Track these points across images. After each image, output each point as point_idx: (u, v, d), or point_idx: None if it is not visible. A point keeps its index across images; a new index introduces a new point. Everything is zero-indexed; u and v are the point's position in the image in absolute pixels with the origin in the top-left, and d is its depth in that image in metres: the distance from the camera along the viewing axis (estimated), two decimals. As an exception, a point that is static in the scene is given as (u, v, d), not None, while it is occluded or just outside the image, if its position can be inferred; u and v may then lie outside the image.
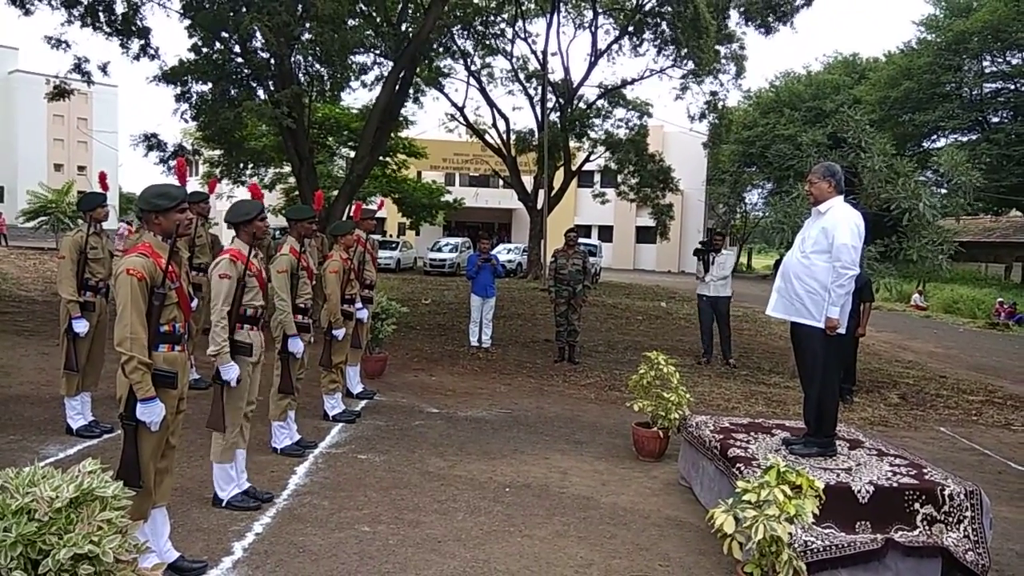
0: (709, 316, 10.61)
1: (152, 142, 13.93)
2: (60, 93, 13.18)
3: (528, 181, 27.83)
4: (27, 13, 12.30)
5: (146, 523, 3.43)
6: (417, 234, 37.33)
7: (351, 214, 8.17)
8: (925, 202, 8.54)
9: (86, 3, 12.37)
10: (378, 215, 8.36)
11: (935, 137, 34.68)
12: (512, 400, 7.93)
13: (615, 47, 24.54)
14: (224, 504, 4.31)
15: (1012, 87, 32.38)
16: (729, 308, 10.71)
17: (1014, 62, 31.61)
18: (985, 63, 32.78)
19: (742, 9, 18.28)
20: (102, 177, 5.89)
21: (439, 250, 31.36)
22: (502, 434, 6.48)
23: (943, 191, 11.41)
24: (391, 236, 36.64)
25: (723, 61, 23.61)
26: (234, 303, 4.28)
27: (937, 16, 33.83)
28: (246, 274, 4.36)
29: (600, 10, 24.09)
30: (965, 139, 32.85)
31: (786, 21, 18.65)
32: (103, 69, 13.12)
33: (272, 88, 12.31)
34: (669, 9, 18.85)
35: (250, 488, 4.48)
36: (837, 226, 4.44)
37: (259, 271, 4.56)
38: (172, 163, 13.62)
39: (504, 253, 29.92)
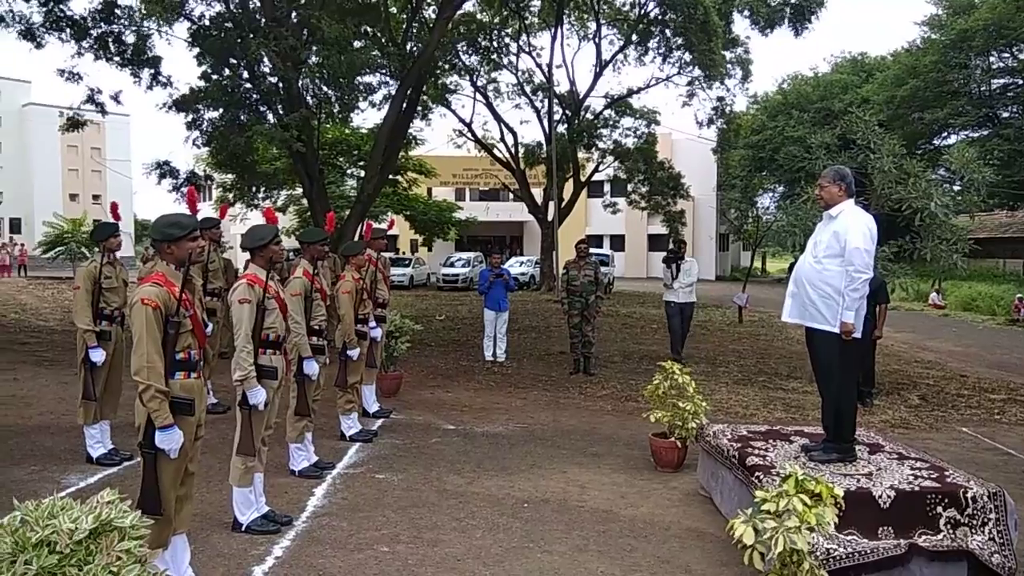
0: (678, 321, 10.84)
1: (164, 170, 14.09)
2: (74, 124, 13.39)
3: (538, 193, 27.90)
4: (39, 47, 12.54)
5: (166, 551, 3.45)
6: (429, 250, 37.43)
7: (362, 234, 8.22)
8: (937, 201, 8.47)
9: (96, 35, 12.58)
10: (390, 233, 8.39)
11: (945, 134, 34.50)
12: (528, 414, 7.92)
13: (620, 57, 24.67)
14: (244, 528, 4.32)
15: (1020, 82, 32.16)
16: (693, 313, 11.21)
17: (1022, 56, 31.41)
18: (992, 59, 32.60)
19: (763, 16, 17.97)
20: (114, 207, 5.96)
21: (451, 265, 31.44)
22: (519, 449, 6.46)
23: (956, 188, 11.33)
24: (404, 253, 36.77)
25: (729, 65, 23.62)
26: (255, 328, 4.33)
27: (939, 15, 33.72)
28: (265, 298, 4.41)
29: (603, 21, 24.20)
30: (976, 135, 32.64)
31: (810, 20, 18.20)
32: (116, 99, 13.33)
33: (281, 112, 12.44)
34: (674, 16, 18.89)
35: (269, 512, 4.50)
36: (849, 230, 4.41)
37: (278, 294, 4.61)
38: (185, 190, 13.78)
39: (516, 266, 29.95)
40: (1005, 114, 33.45)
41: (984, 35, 30.04)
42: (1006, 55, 32.19)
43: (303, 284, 5.43)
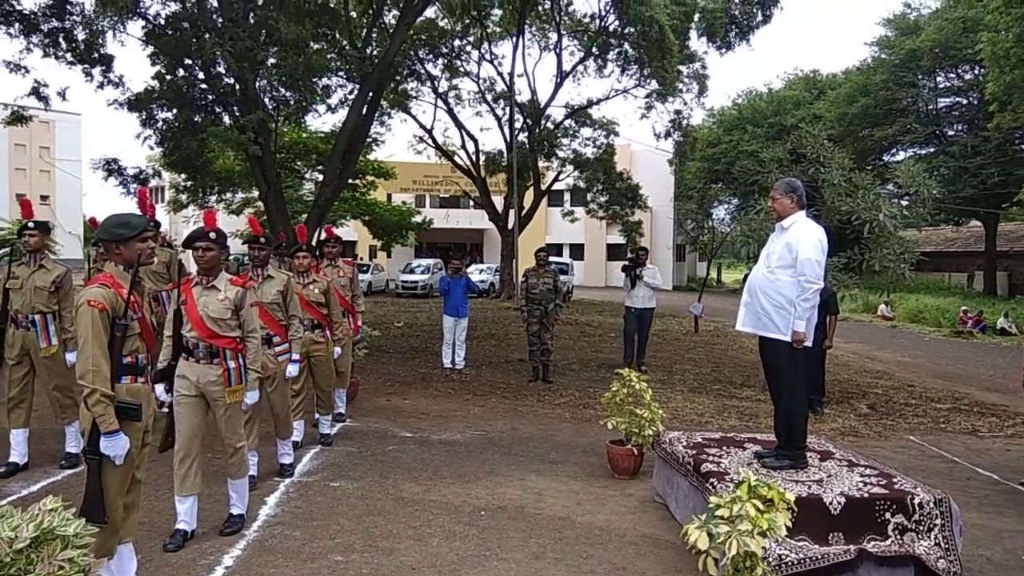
0: (634, 326, 11.07)
1: (112, 167, 13.70)
2: (18, 119, 12.95)
3: (498, 201, 27.93)
4: (-15, 42, 12.13)
5: (112, 560, 3.35)
6: (388, 256, 37.14)
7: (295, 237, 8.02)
8: (885, 213, 8.72)
9: (46, 30, 12.22)
10: (348, 239, 8.30)
11: (894, 151, 35.45)
12: (486, 421, 7.90)
13: (580, 68, 24.86)
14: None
15: (965, 101, 33.26)
16: (652, 319, 11.34)
17: (966, 77, 32.49)
18: (939, 79, 33.67)
19: (704, 26, 18.64)
20: (26, 205, 5.69)
21: (411, 272, 31.24)
22: (477, 456, 6.44)
23: (904, 203, 11.67)
24: (362, 259, 36.39)
25: (686, 80, 24.05)
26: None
27: (889, 36, 34.76)
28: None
29: (564, 32, 24.37)
30: (923, 152, 33.62)
31: (746, 38, 19.06)
32: (62, 95, 12.91)
33: (237, 114, 12.23)
34: (633, 31, 19.14)
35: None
36: (801, 241, 4.51)
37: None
38: (133, 187, 13.43)
39: (476, 273, 29.89)
40: (951, 132, 34.52)
41: (931, 56, 31.02)
42: (952, 75, 33.26)
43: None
